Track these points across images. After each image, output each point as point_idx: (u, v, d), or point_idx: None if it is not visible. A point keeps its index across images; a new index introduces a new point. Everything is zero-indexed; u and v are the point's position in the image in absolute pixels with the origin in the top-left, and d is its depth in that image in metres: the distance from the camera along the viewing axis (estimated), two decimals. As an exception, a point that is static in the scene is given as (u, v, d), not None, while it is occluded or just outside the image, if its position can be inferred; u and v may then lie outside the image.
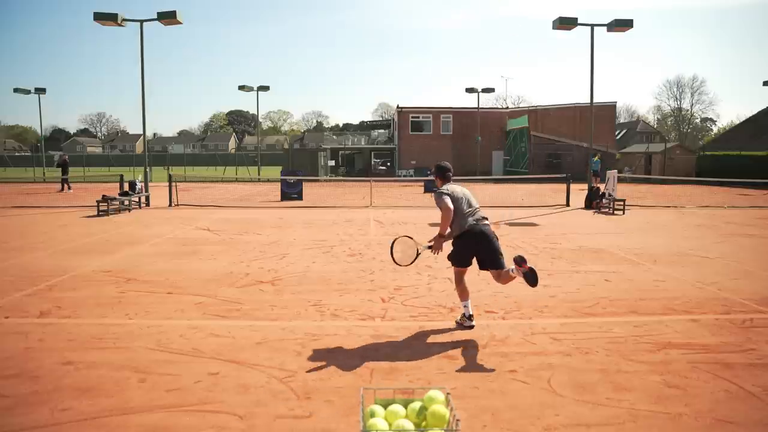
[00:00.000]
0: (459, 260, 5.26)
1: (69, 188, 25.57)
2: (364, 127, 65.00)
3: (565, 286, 7.01)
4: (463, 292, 5.33)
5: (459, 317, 5.44)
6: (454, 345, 4.83)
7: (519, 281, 5.08)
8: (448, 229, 5.12)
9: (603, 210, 16.68)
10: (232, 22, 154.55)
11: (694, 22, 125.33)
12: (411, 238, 5.25)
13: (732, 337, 5.02)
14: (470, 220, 5.16)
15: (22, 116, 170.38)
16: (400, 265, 5.22)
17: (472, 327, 5.28)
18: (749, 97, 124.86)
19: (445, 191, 5.23)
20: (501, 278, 5.19)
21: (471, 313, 5.34)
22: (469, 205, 5.26)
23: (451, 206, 5.05)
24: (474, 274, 7.75)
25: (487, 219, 5.29)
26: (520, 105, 70.31)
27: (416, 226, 12.95)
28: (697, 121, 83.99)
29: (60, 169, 26.28)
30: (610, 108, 41.66)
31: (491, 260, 5.16)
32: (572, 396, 3.81)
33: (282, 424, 3.43)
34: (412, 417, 2.73)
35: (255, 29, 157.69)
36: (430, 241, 5.15)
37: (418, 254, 5.21)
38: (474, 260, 5.26)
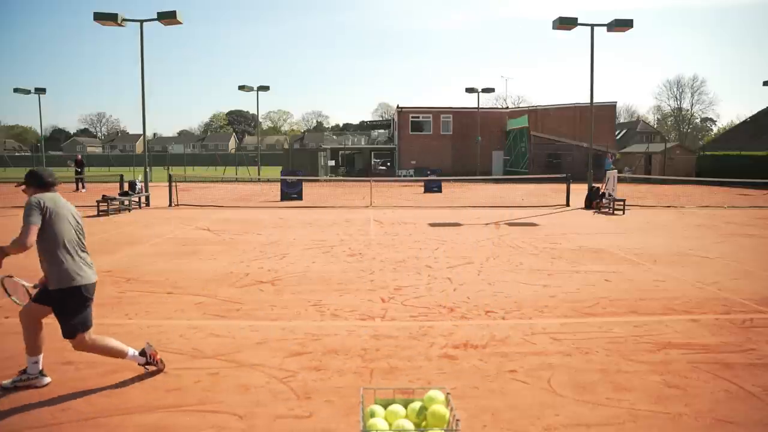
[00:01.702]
0: (89, 322, 4.00)
1: (83, 187, 26.04)
2: (364, 127, 64.95)
3: (565, 286, 7.00)
4: (34, 349, 4.01)
5: (23, 377, 3.96)
6: (454, 345, 4.83)
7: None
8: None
9: (603, 210, 16.68)
10: (232, 23, 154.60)
11: (694, 22, 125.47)
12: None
13: (732, 337, 5.02)
14: (89, 264, 4.04)
15: (22, 116, 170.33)
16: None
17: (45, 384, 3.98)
18: (749, 97, 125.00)
19: (36, 205, 3.86)
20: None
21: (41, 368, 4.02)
22: (82, 238, 4.02)
23: (33, 240, 3.84)
24: (474, 273, 7.78)
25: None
26: (520, 105, 70.29)
27: (416, 226, 12.95)
28: (697, 121, 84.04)
29: (76, 169, 26.73)
30: (610, 108, 41.65)
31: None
32: (572, 396, 3.81)
33: (282, 424, 3.43)
34: (412, 417, 2.72)
35: (255, 30, 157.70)
36: None
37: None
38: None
